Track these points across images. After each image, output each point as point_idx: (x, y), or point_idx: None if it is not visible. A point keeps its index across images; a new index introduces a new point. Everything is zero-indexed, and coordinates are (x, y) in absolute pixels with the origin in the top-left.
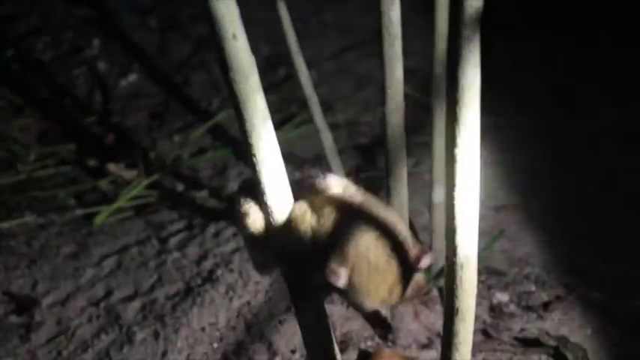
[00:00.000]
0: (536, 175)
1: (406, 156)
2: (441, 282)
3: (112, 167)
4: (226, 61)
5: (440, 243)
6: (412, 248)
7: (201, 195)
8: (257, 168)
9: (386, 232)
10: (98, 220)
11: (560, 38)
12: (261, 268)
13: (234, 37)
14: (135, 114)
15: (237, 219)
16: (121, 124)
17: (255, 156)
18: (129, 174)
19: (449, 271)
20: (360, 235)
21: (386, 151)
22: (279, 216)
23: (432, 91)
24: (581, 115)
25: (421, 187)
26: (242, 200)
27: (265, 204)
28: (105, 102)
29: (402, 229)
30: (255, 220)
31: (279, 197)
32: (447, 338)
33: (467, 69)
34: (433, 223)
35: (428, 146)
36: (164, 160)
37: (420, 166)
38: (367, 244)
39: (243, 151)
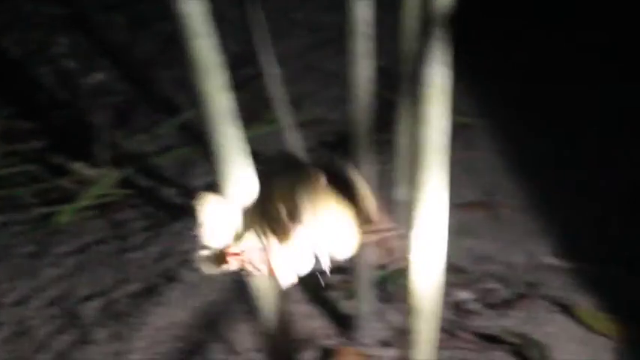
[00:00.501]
0: (502, 173)
1: (373, 154)
2: (405, 280)
3: (75, 165)
4: (192, 57)
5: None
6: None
7: (166, 193)
8: (222, 166)
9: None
10: (60, 218)
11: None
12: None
13: (201, 34)
14: (101, 111)
15: (199, 218)
16: (87, 122)
17: (219, 153)
18: (93, 172)
19: (411, 267)
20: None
21: (352, 149)
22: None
23: (399, 90)
24: (551, 115)
25: (387, 184)
26: (204, 199)
27: (230, 203)
28: (71, 99)
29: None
30: (216, 218)
31: (245, 195)
32: (410, 336)
33: (434, 67)
34: (397, 222)
35: (392, 144)
36: (129, 158)
37: (388, 164)
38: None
39: (209, 149)
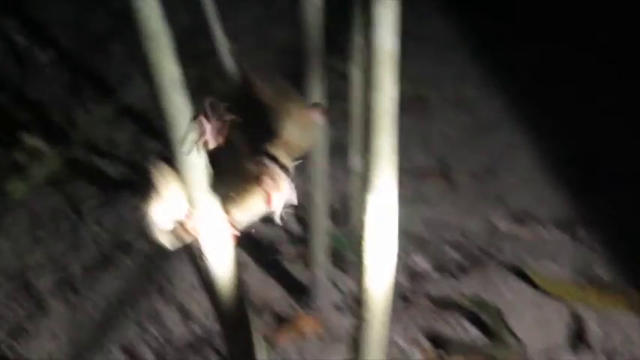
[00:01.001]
0: (457, 142)
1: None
2: (359, 247)
3: (28, 140)
4: (140, 26)
5: (357, 208)
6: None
7: (118, 167)
8: (170, 135)
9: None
10: (13, 192)
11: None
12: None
13: (148, 5)
14: (52, 87)
15: (152, 190)
16: (38, 98)
17: (167, 122)
18: (45, 146)
19: (365, 234)
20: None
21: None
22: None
23: (350, 59)
24: (504, 83)
25: (340, 154)
26: (157, 170)
27: (180, 174)
28: (23, 74)
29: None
30: (167, 192)
31: (195, 166)
32: (363, 300)
33: (383, 35)
34: (351, 190)
35: (344, 113)
36: (81, 133)
37: (339, 132)
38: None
39: (161, 124)
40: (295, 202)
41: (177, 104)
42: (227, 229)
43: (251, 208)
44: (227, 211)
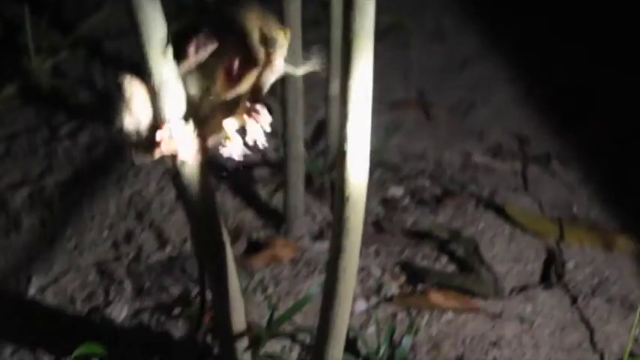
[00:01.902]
0: (435, 72)
1: (302, 50)
2: (334, 174)
3: (1, 53)
4: None
5: (334, 135)
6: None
7: (95, 83)
8: (145, 50)
9: None
10: None
11: None
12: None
13: None
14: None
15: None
16: (13, 9)
17: (142, 36)
18: (20, 60)
19: (340, 157)
20: None
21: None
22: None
23: None
24: (483, 14)
25: (318, 82)
26: (126, 83)
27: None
28: None
29: None
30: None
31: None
32: (338, 225)
33: None
34: (328, 117)
35: (327, 41)
36: (57, 48)
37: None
38: None
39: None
40: (268, 130)
41: (152, 18)
42: (199, 148)
43: (223, 133)
44: (201, 132)
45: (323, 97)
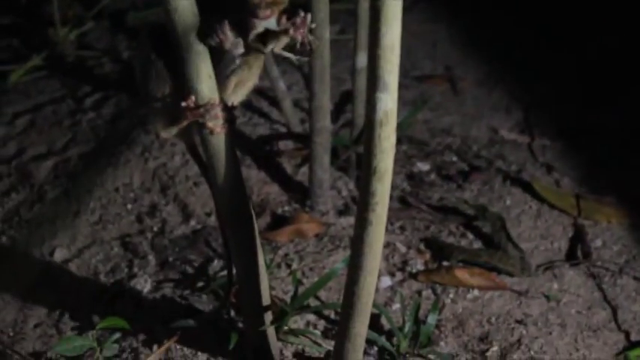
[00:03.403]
0: (463, 47)
1: (329, 23)
2: (360, 148)
3: (27, 25)
4: None
5: (361, 108)
6: None
7: (120, 55)
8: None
9: None
10: (13, 78)
11: None
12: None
13: None
14: None
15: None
16: None
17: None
18: (45, 32)
19: (368, 129)
20: None
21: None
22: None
23: None
24: None
25: (344, 54)
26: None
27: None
28: None
29: None
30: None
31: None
32: (364, 199)
33: None
34: (355, 89)
35: (351, 14)
36: (82, 19)
37: (344, 34)
38: None
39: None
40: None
41: None
42: (226, 116)
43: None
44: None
45: (349, 70)
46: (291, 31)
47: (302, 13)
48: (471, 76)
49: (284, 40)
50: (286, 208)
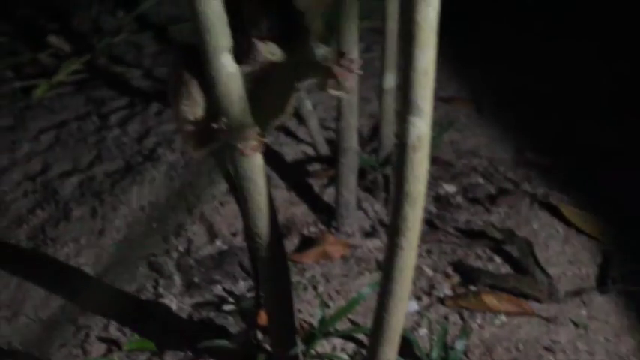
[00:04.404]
0: (489, 68)
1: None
2: (387, 169)
3: (52, 39)
4: None
5: (388, 129)
6: None
7: (144, 72)
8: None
9: None
10: (37, 93)
11: None
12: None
13: None
14: None
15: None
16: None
17: (202, 26)
18: (70, 47)
19: (400, 154)
20: None
21: (338, 36)
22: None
23: None
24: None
25: (370, 73)
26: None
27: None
28: None
29: None
30: (194, 93)
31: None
32: (396, 223)
33: None
34: (382, 109)
35: (377, 33)
36: (108, 35)
37: (370, 53)
38: None
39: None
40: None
41: (213, 6)
42: (257, 137)
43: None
44: (258, 121)
45: (375, 89)
46: (336, 70)
47: (351, 56)
48: (496, 97)
49: (321, 74)
50: (312, 229)
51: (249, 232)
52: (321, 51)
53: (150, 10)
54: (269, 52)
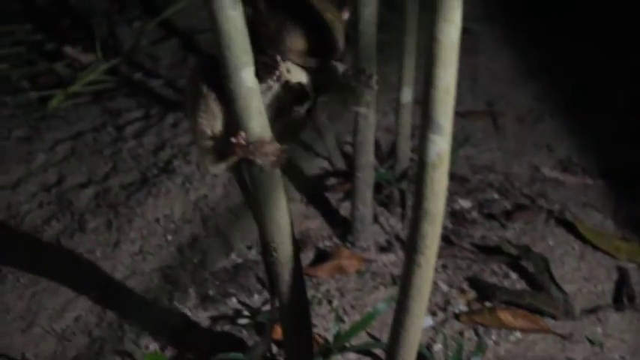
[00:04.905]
0: (504, 82)
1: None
2: (403, 184)
3: (68, 50)
4: None
5: (404, 144)
6: None
7: (160, 84)
8: (225, 54)
9: None
10: (53, 103)
11: None
12: (214, 163)
13: None
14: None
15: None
16: (79, 7)
17: (223, 41)
18: (86, 58)
19: (420, 171)
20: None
21: (357, 50)
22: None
23: None
24: (552, 25)
25: (386, 86)
26: (201, 83)
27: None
28: None
29: None
30: (213, 107)
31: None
32: (414, 241)
33: None
34: (399, 124)
35: (392, 46)
36: (122, 46)
37: (386, 66)
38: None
39: (204, 40)
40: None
41: (235, 22)
42: (277, 152)
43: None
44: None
45: (390, 103)
46: (356, 86)
47: (368, 72)
48: (512, 112)
49: (341, 90)
50: (327, 243)
51: (266, 247)
52: (341, 67)
53: (172, 18)
54: (290, 70)
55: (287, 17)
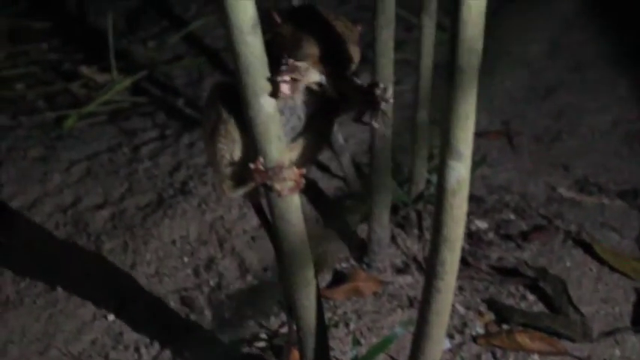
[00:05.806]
0: (520, 102)
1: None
2: (420, 205)
3: (84, 70)
4: None
5: (420, 165)
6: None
7: (176, 103)
8: (244, 80)
9: None
10: (68, 123)
11: None
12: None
13: None
14: (112, 17)
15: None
16: (95, 27)
17: (242, 67)
18: (102, 77)
19: (439, 197)
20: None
21: (375, 66)
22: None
23: (422, 9)
24: (569, 43)
25: (401, 105)
26: (220, 108)
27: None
28: (79, 3)
29: None
30: (232, 132)
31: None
32: (433, 266)
33: None
34: (415, 145)
35: (409, 64)
36: (139, 65)
37: (401, 85)
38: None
39: (219, 60)
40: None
41: (254, 49)
42: (295, 178)
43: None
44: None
45: (405, 122)
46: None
47: (382, 86)
48: (528, 132)
49: (357, 105)
50: (344, 264)
51: (283, 272)
52: (357, 81)
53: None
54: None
55: (304, 29)
